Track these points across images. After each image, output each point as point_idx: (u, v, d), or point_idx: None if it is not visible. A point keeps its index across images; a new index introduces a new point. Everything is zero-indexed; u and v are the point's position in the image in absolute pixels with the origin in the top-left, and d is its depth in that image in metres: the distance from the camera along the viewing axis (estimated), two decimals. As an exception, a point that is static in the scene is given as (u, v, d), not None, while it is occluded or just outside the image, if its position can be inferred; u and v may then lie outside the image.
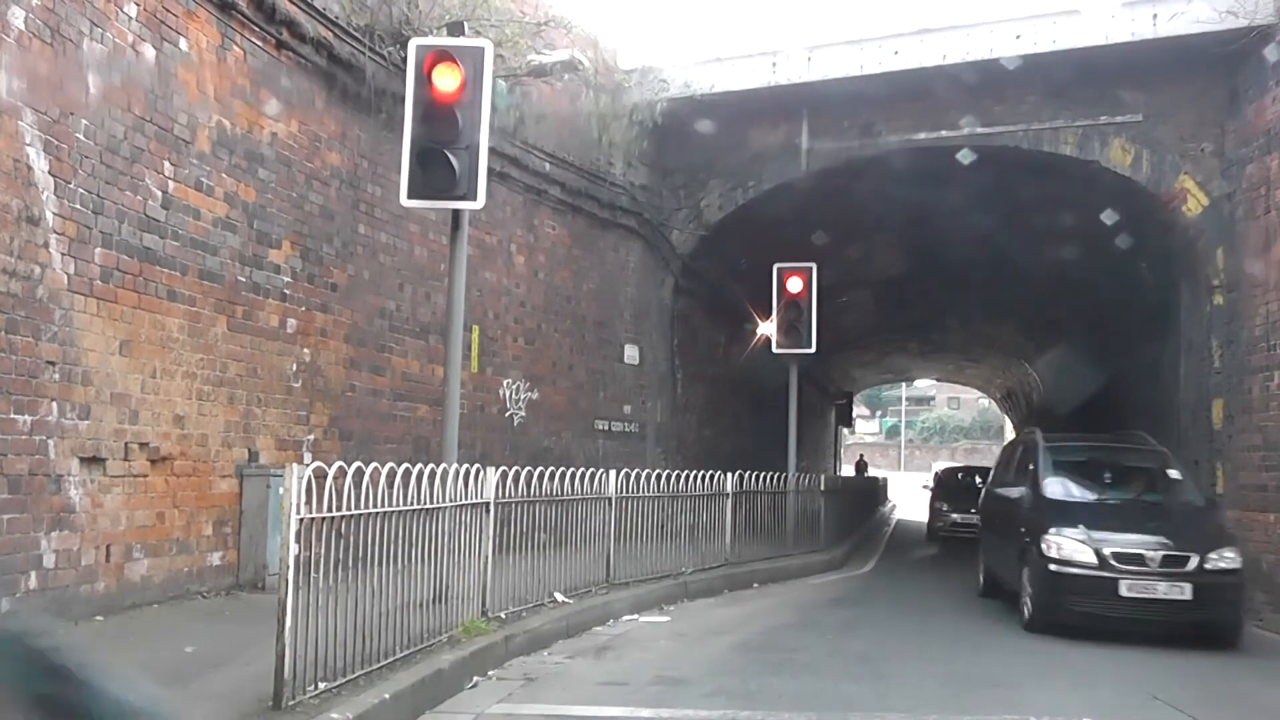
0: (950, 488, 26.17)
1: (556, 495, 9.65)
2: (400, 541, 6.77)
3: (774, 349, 16.21)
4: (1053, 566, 10.10)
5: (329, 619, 5.82)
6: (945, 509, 24.52)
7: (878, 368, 40.28)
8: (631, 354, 16.37)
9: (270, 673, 5.46)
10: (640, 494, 11.37)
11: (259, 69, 9.46)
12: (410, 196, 8.71)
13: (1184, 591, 9.71)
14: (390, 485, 6.64)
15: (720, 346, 20.42)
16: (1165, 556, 9.89)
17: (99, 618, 7.55)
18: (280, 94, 9.75)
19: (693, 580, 12.00)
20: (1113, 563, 9.84)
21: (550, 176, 14.34)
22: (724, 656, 8.52)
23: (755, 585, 13.20)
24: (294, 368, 9.93)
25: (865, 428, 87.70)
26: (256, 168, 9.42)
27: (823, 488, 17.59)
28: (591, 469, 10.58)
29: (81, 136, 7.47)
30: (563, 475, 9.75)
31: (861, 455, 53.05)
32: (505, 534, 8.65)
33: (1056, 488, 11.35)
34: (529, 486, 9.07)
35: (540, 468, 9.41)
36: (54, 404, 7.23)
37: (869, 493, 29.91)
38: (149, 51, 8.15)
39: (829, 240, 18.03)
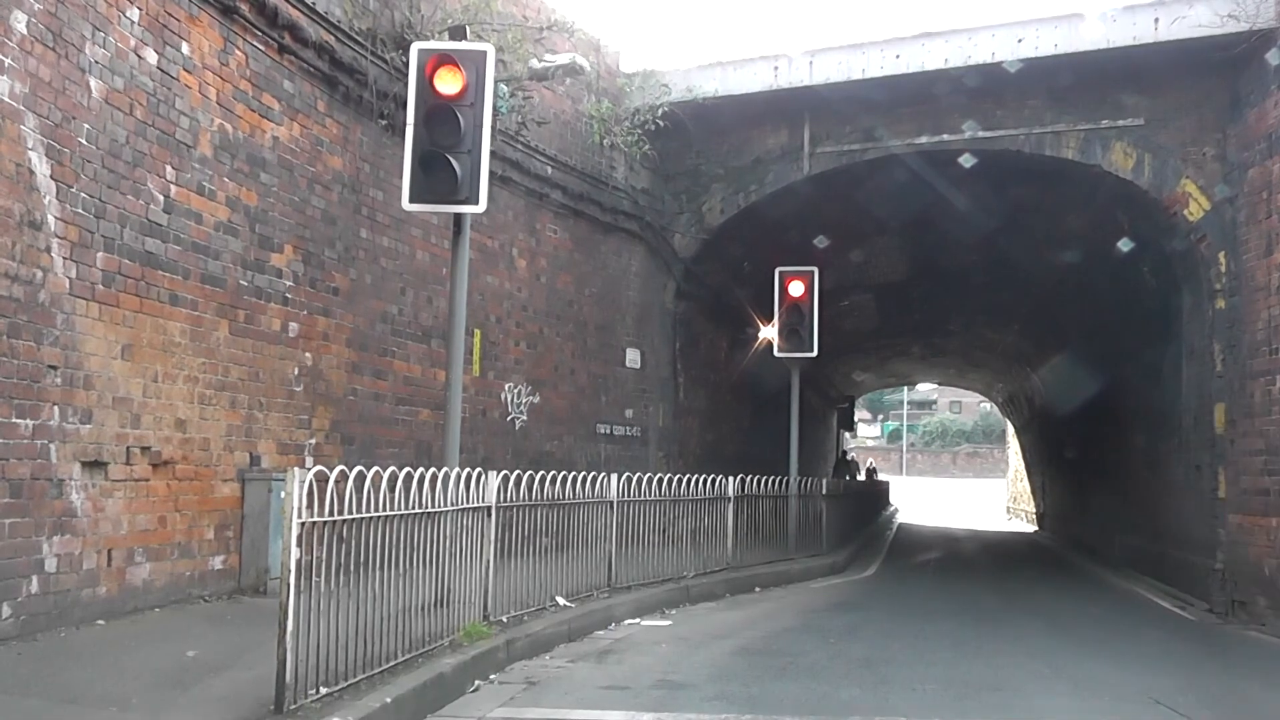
0: None
1: (558, 499, 9.66)
2: (402, 545, 6.78)
3: (776, 353, 16.22)
4: None
5: (330, 623, 5.83)
6: None
7: (880, 372, 40.21)
8: (633, 358, 16.37)
9: (271, 677, 5.48)
10: (642, 498, 11.37)
11: (261, 73, 9.48)
12: (412, 200, 8.73)
13: None
14: (392, 489, 6.65)
15: (722, 350, 20.42)
16: None
17: (100, 622, 7.56)
18: (282, 98, 9.77)
19: (694, 584, 12.00)
20: None
21: (552, 180, 14.36)
22: (726, 661, 8.51)
23: (757, 589, 13.19)
24: (296, 372, 9.93)
25: (867, 432, 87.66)
26: (258, 172, 9.44)
27: (824, 492, 17.58)
28: (593, 473, 10.59)
29: (84, 141, 7.48)
30: (564, 479, 9.76)
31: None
32: (507, 538, 8.66)
33: None
34: (531, 491, 9.07)
35: (542, 472, 9.41)
36: (56, 408, 7.24)
37: (871, 497, 29.86)
38: (151, 56, 8.17)
39: (831, 244, 18.04)
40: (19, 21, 6.92)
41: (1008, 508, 42.73)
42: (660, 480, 11.91)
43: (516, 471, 8.95)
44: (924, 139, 15.34)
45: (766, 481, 14.66)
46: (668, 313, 17.30)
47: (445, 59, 8.57)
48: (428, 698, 6.41)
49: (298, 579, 5.53)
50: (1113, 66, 13.78)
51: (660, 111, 15.02)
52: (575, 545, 10.08)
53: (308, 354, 10.10)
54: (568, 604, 9.62)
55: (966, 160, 14.97)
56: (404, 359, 11.52)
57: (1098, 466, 22.87)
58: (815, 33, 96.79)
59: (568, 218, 14.89)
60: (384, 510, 6.53)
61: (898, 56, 14.69)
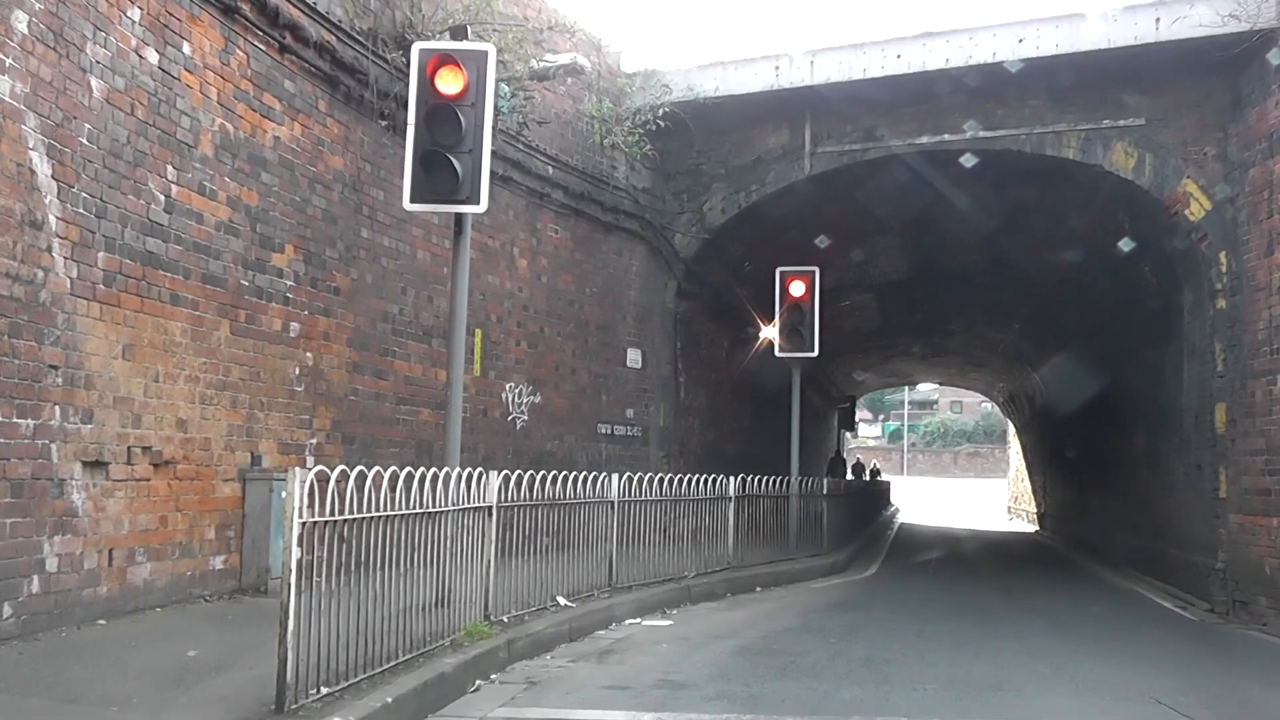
0: None
1: (559, 499, 9.65)
2: (403, 545, 6.78)
3: (776, 352, 16.22)
4: None
5: (331, 623, 5.83)
6: None
7: (881, 371, 40.23)
8: (634, 357, 16.37)
9: (272, 676, 5.48)
10: (643, 498, 11.37)
11: (262, 73, 9.48)
12: (413, 200, 8.73)
13: None
14: (393, 489, 6.64)
15: (723, 350, 20.42)
16: None
17: (101, 622, 7.56)
18: (283, 98, 9.77)
19: (695, 584, 12.00)
20: None
21: (553, 180, 14.36)
22: (726, 660, 8.51)
23: (758, 589, 13.19)
24: (297, 372, 9.93)
25: (868, 431, 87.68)
26: (259, 172, 9.44)
27: (825, 492, 17.57)
28: (594, 473, 10.59)
29: (85, 141, 7.49)
30: (565, 479, 9.76)
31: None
32: (508, 538, 8.65)
33: None
34: (532, 490, 9.07)
35: (543, 471, 9.41)
36: (57, 408, 7.24)
37: (872, 497, 29.84)
38: (152, 56, 8.17)
39: (832, 243, 18.06)
40: (20, 21, 6.92)
41: (1009, 507, 42.74)
42: (661, 480, 11.91)
43: (517, 471, 8.95)
44: (925, 139, 15.34)
45: (767, 481, 14.66)
46: (669, 312, 17.30)
47: (446, 59, 8.57)
48: (428, 697, 6.41)
49: (299, 579, 5.52)
50: (1114, 66, 13.78)
51: (661, 111, 15.03)
52: (576, 545, 10.08)
53: (309, 354, 10.10)
54: (569, 604, 9.61)
55: (967, 160, 14.97)
56: (405, 359, 11.52)
57: (1098, 466, 22.87)
58: (816, 32, 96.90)
59: (569, 217, 14.89)
60: (385, 510, 6.53)
61: (899, 56, 14.69)
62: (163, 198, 8.28)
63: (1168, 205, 13.78)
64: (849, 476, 35.03)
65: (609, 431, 15.73)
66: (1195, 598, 13.60)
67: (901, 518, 34.72)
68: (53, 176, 7.21)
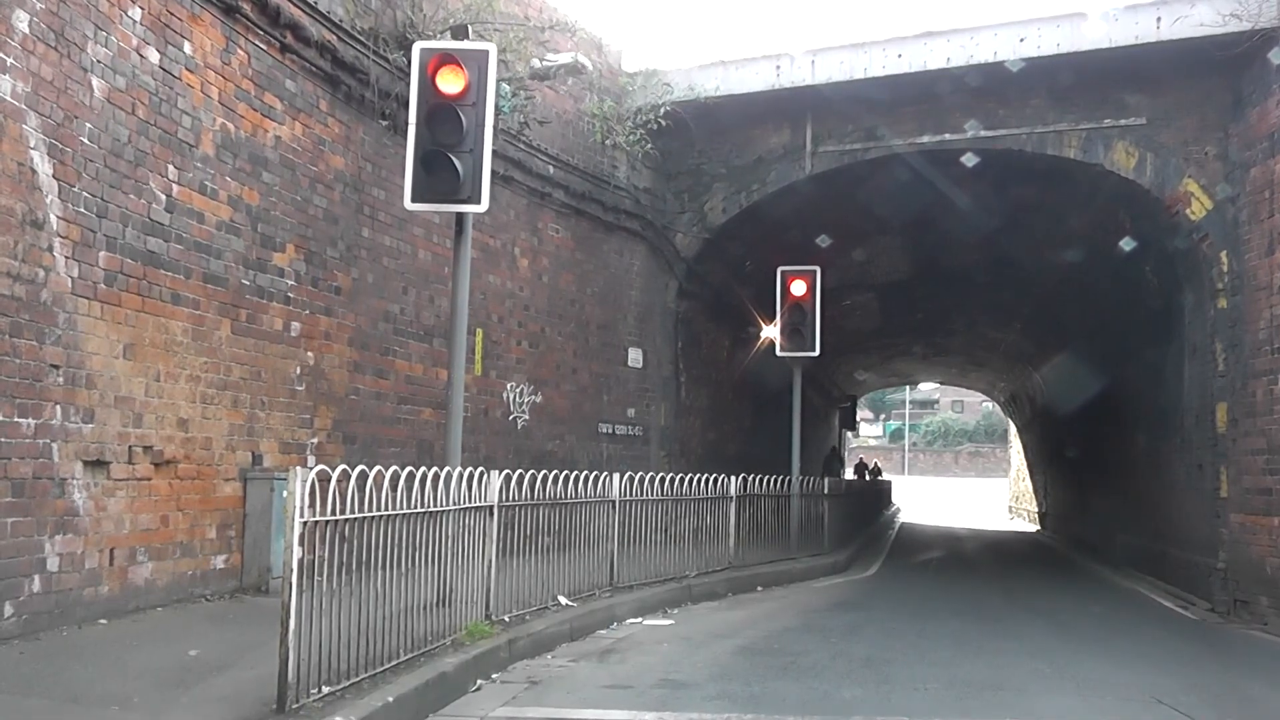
0: None
1: (560, 499, 9.65)
2: (404, 545, 6.78)
3: (778, 352, 16.22)
4: None
5: (333, 622, 5.83)
6: None
7: (882, 371, 40.21)
8: (635, 357, 16.37)
9: (274, 676, 5.48)
10: (644, 497, 11.37)
11: (263, 72, 9.48)
12: (414, 200, 8.73)
13: None
14: (394, 488, 6.65)
15: (724, 350, 20.42)
16: None
17: (103, 621, 7.56)
18: (284, 97, 9.78)
19: (696, 583, 12.00)
20: None
21: (554, 179, 14.36)
22: (728, 660, 8.51)
23: (759, 588, 13.19)
24: (298, 371, 9.94)
25: (869, 431, 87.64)
26: (260, 171, 9.44)
27: (826, 491, 17.57)
28: (595, 472, 10.59)
29: (86, 140, 7.49)
30: (566, 478, 9.76)
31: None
32: (509, 537, 8.65)
33: None
34: (533, 490, 9.07)
35: (544, 471, 9.41)
36: (58, 407, 7.25)
37: (874, 497, 29.83)
38: (153, 55, 8.17)
39: (833, 243, 18.06)
40: (21, 21, 6.93)
41: (1009, 507, 42.73)
42: (662, 479, 11.90)
43: (518, 471, 8.95)
44: (926, 138, 15.34)
45: (768, 481, 14.66)
46: (670, 312, 17.30)
47: (447, 58, 8.57)
48: (430, 697, 6.41)
49: (300, 578, 5.52)
50: (1115, 66, 13.78)
51: (662, 110, 15.02)
52: (577, 544, 10.08)
53: (310, 353, 10.10)
54: (570, 603, 9.61)
55: (969, 159, 14.97)
56: (406, 358, 11.52)
57: (1099, 466, 22.87)
58: (817, 32, 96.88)
59: (570, 217, 14.89)
60: (386, 509, 6.53)
61: (900, 56, 14.69)
62: (164, 197, 8.29)
63: (1169, 205, 13.77)
64: (849, 475, 34.94)
65: (610, 431, 15.73)
66: (1196, 597, 13.60)
67: (903, 517, 34.71)
68: (54, 176, 7.21)
